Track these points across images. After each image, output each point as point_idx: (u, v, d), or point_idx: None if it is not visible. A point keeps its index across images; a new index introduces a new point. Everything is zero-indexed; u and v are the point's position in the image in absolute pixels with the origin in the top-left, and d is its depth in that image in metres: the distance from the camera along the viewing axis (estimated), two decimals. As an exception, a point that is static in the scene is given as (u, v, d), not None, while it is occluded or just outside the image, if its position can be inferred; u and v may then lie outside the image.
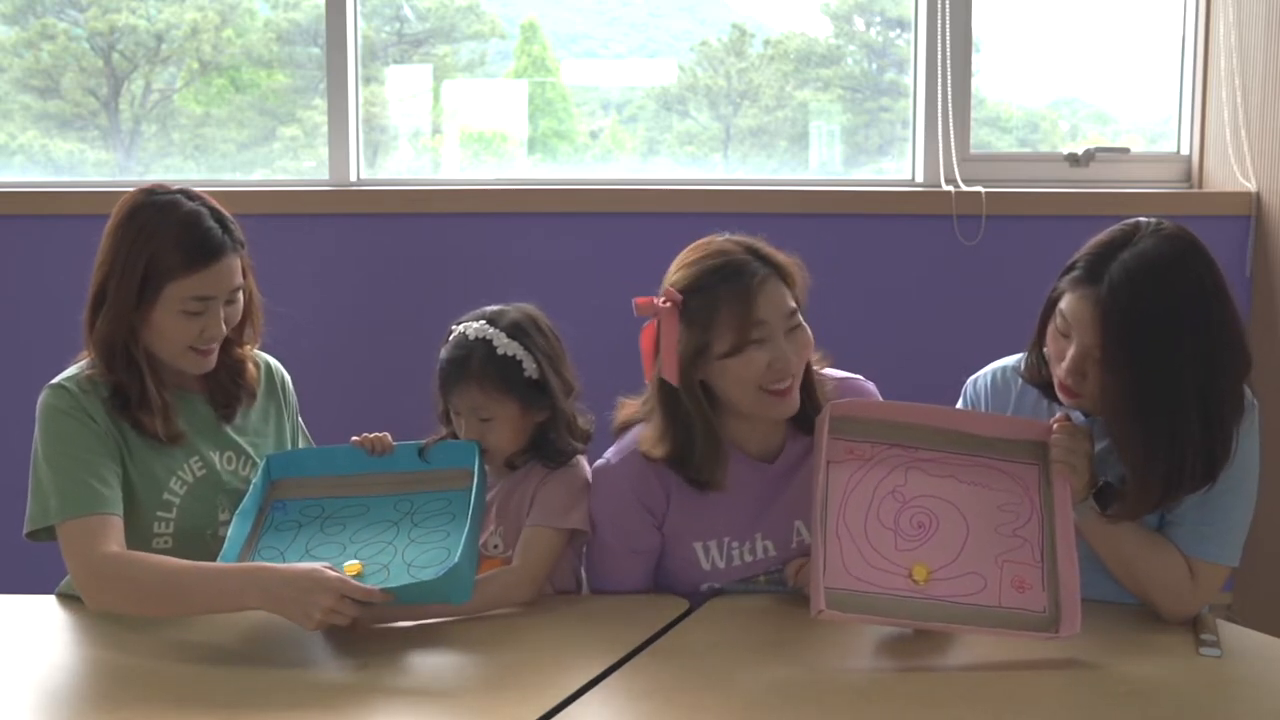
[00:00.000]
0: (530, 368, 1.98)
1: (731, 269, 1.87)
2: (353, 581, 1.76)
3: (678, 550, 1.98)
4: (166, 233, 1.91)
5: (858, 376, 2.08)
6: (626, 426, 2.02)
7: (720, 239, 1.94)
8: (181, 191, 1.97)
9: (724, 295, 1.85)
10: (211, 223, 1.94)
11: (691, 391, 1.89)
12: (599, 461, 2.02)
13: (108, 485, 1.90)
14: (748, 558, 1.97)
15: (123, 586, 1.83)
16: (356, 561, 1.85)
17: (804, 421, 1.94)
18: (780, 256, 1.92)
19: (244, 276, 1.99)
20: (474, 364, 1.97)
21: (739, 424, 1.96)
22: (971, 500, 1.83)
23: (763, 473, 1.97)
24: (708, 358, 1.87)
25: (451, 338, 2.02)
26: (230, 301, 1.97)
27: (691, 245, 1.96)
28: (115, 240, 1.94)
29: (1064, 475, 1.81)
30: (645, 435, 1.95)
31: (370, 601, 1.75)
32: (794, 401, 1.90)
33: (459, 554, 1.79)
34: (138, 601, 1.84)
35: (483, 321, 2.01)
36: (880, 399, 2.04)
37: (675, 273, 1.92)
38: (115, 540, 1.87)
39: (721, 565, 1.97)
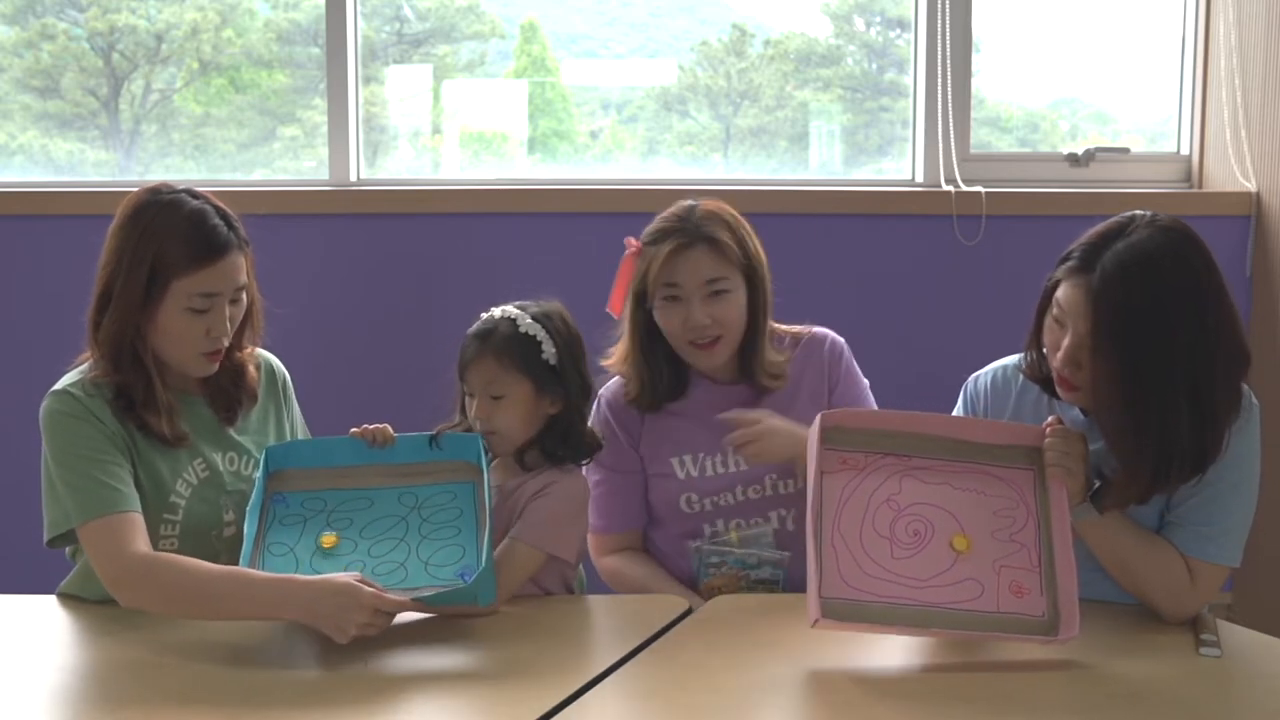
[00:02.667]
0: (549, 351, 2.01)
1: (664, 233, 2.13)
2: (386, 596, 1.77)
3: (657, 467, 2.19)
4: (172, 229, 1.91)
5: (821, 330, 2.25)
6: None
7: (688, 202, 2.17)
8: (186, 190, 1.97)
9: (652, 255, 2.12)
10: (217, 220, 1.95)
11: (633, 324, 2.17)
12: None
13: (123, 483, 1.90)
14: (720, 469, 2.17)
15: (155, 589, 1.83)
16: (332, 533, 1.91)
17: (746, 375, 2.18)
18: (715, 229, 2.11)
19: (248, 277, 1.99)
20: (495, 338, 2.00)
21: None
22: (967, 507, 1.82)
23: (727, 394, 2.17)
24: (646, 303, 2.14)
25: (479, 320, 2.06)
26: (234, 300, 1.97)
27: None
28: (120, 239, 1.94)
29: (1059, 479, 1.81)
30: (614, 349, 2.22)
31: (403, 611, 1.78)
32: (717, 356, 2.13)
33: (484, 557, 1.80)
34: (170, 604, 1.84)
35: (511, 305, 2.06)
36: (844, 346, 2.23)
37: None
38: (141, 538, 1.86)
39: (695, 474, 2.17)
